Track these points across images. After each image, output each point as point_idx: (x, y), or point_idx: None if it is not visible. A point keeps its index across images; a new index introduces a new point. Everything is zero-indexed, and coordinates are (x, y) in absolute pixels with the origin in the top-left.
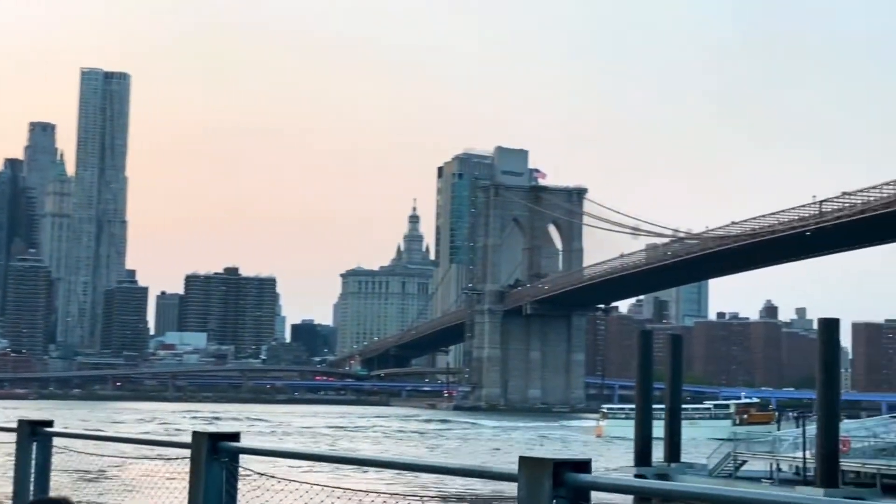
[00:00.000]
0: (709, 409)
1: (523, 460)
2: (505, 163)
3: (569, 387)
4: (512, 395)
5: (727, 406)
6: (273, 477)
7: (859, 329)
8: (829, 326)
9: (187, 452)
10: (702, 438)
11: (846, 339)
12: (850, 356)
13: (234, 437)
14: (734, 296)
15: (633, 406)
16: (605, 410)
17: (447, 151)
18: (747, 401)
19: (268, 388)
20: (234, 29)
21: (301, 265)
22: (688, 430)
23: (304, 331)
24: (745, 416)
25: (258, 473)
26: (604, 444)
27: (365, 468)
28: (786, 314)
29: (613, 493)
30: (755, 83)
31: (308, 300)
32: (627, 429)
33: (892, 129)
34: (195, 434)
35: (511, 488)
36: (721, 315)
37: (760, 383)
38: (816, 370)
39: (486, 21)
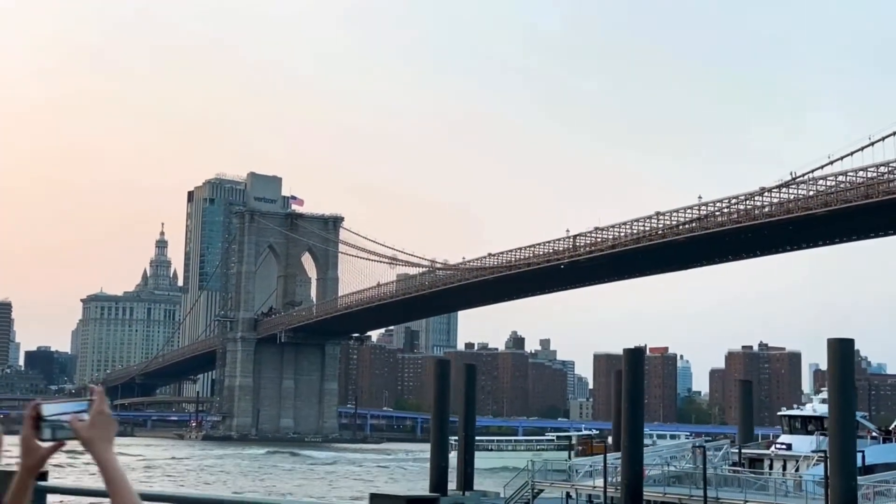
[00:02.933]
0: (552, 440)
1: None
2: (258, 189)
3: (321, 416)
4: (264, 425)
5: (570, 438)
6: None
7: (600, 360)
8: (635, 356)
9: None
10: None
11: (588, 370)
12: (591, 386)
13: (433, 501)
14: (481, 327)
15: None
16: (451, 441)
17: (198, 175)
18: (588, 433)
19: (1, 417)
20: None
21: (39, 289)
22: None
23: (41, 358)
24: (583, 447)
25: None
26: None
27: None
28: (531, 345)
29: None
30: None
31: (46, 326)
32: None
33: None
34: (380, 498)
35: None
36: (470, 346)
37: (508, 413)
38: (621, 400)
39: (241, 45)
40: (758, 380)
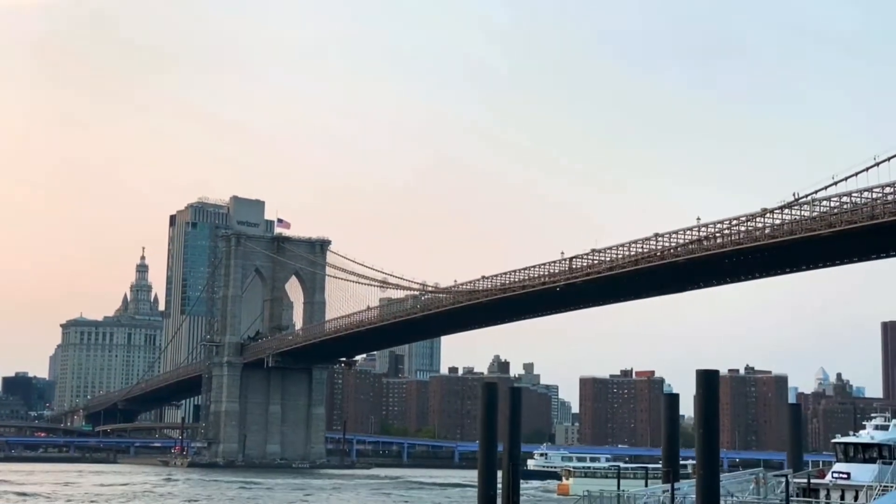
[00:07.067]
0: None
1: None
2: (241, 213)
3: (309, 441)
4: (250, 451)
5: (685, 466)
6: None
7: (587, 383)
8: (708, 379)
9: None
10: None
11: (573, 394)
12: (575, 410)
13: None
14: (464, 351)
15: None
16: (570, 469)
17: (179, 200)
18: (692, 462)
19: None
20: None
21: (16, 314)
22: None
23: (20, 384)
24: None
25: None
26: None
27: None
28: (514, 369)
29: None
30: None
31: (23, 352)
32: (594, 487)
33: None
34: None
35: None
36: (453, 370)
37: None
38: (693, 426)
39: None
40: (745, 403)
